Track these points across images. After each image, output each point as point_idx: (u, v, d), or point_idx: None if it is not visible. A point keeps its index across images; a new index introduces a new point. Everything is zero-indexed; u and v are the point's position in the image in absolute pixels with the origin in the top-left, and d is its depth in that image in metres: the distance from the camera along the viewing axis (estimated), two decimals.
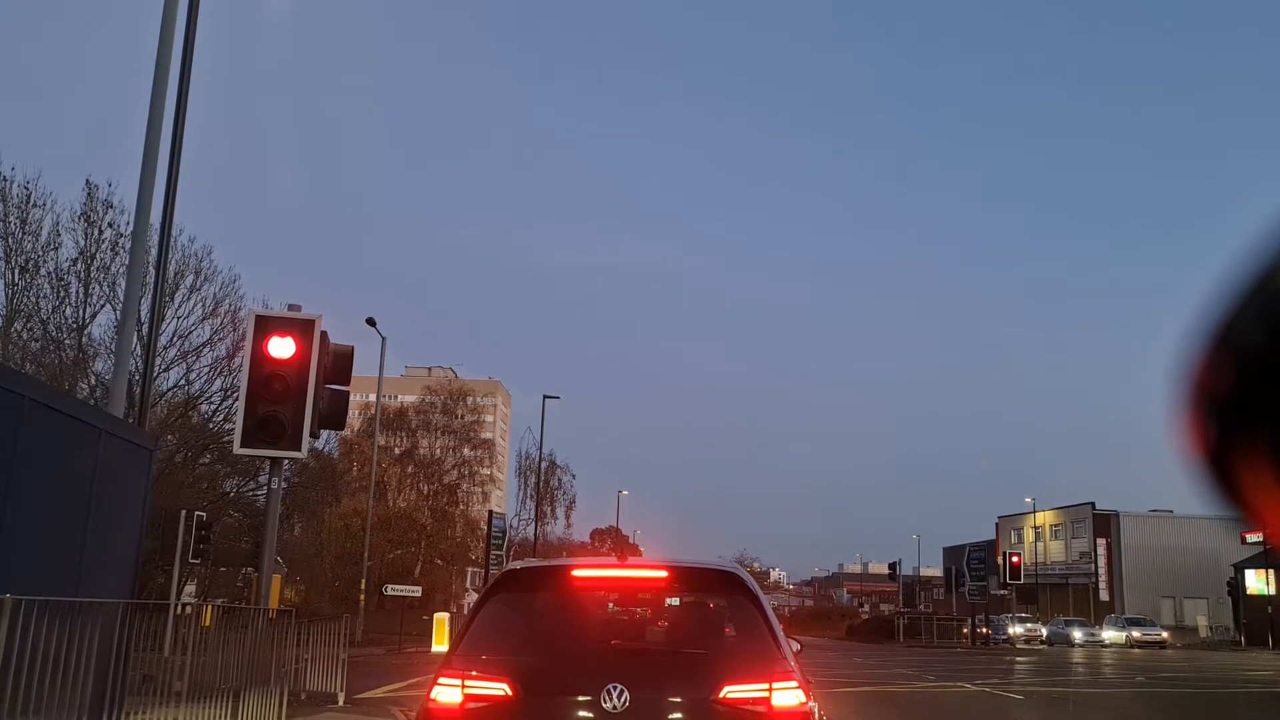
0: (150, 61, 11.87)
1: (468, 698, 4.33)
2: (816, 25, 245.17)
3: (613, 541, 71.32)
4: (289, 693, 11.03)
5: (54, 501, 8.47)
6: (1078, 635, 51.65)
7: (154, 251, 14.47)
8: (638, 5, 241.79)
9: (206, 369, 29.56)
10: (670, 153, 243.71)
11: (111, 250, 26.41)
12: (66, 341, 26.64)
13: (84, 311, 26.57)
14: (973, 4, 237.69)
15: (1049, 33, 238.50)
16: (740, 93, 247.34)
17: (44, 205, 25.94)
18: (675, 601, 5.79)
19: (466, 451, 55.12)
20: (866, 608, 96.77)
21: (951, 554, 72.11)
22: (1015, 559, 46.94)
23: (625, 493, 75.11)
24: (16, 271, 25.62)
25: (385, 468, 47.99)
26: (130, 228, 17.71)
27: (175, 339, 28.01)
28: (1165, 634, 52.31)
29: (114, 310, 25.66)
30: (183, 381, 29.35)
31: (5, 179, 25.30)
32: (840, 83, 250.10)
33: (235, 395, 26.09)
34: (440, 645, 25.24)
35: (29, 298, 26.04)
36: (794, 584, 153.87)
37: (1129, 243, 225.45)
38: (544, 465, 55.33)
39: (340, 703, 13.61)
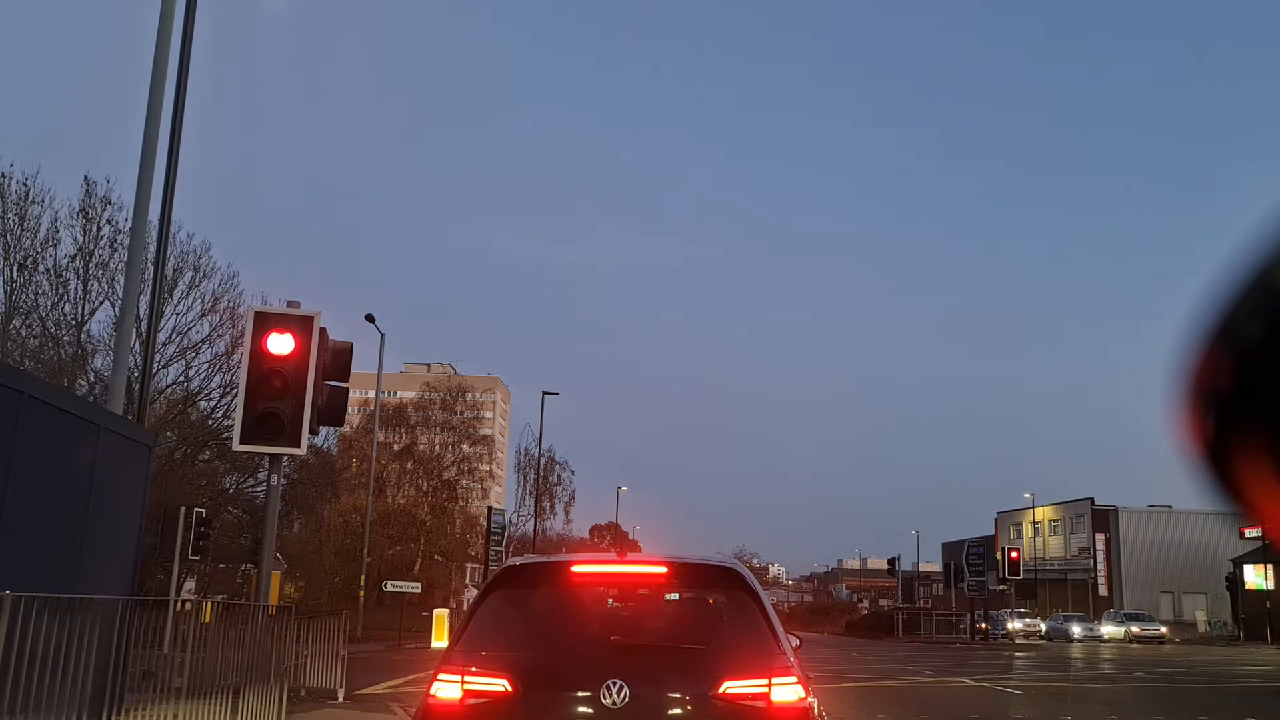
0: (149, 57, 11.87)
1: (468, 693, 4.33)
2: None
3: (612, 537, 71.42)
4: (289, 689, 11.04)
5: (53, 498, 8.48)
6: (1076, 630, 51.70)
7: (152, 248, 14.49)
8: (628, 8, 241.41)
9: (205, 365, 29.55)
10: (672, 151, 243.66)
11: (110, 247, 26.40)
12: (65, 338, 26.62)
13: (83, 308, 26.57)
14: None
15: (1043, 30, 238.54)
16: (737, 95, 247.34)
17: (42, 201, 25.93)
18: (675, 597, 5.78)
19: (466, 448, 55.13)
20: (866, 603, 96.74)
21: (950, 549, 72.24)
22: (1014, 554, 46.98)
23: (624, 489, 75.34)
24: (15, 268, 25.61)
25: (384, 464, 48.00)
26: (129, 224, 17.71)
27: (174, 335, 28.00)
28: (1164, 629, 52.41)
29: (113, 307, 25.67)
30: (181, 378, 29.34)
31: (4, 175, 25.28)
32: (832, 85, 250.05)
33: (234, 392, 26.14)
34: (440, 641, 25.22)
35: (28, 294, 26.03)
36: (793, 579, 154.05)
37: (1130, 237, 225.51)
38: (543, 461, 55.47)
39: (340, 699, 13.63)
